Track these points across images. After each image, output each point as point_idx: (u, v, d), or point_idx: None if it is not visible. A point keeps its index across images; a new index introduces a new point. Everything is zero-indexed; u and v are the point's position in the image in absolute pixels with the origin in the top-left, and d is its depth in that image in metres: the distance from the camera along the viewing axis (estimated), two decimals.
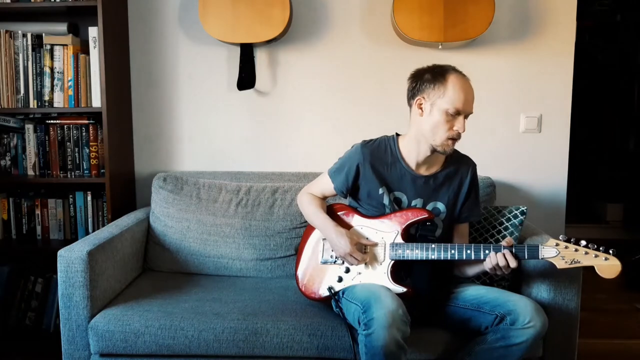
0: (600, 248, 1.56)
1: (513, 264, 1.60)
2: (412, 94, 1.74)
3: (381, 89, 2.45)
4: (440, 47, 2.28)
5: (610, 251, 1.55)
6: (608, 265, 1.54)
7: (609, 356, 2.41)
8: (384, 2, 2.39)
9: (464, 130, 1.67)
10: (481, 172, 1.99)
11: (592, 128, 4.53)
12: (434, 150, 1.72)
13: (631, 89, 4.50)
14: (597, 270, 1.55)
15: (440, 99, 1.66)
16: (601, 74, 4.49)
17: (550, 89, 2.44)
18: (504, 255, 1.61)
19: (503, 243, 1.64)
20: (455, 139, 1.69)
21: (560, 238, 1.60)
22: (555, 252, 1.59)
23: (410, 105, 1.76)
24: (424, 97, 1.70)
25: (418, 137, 1.74)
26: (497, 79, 2.45)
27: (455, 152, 1.84)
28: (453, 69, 1.71)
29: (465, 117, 1.68)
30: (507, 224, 1.95)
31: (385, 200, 1.78)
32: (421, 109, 1.71)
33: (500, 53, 2.43)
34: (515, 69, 2.44)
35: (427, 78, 1.70)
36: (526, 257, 1.62)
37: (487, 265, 1.64)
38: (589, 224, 4.46)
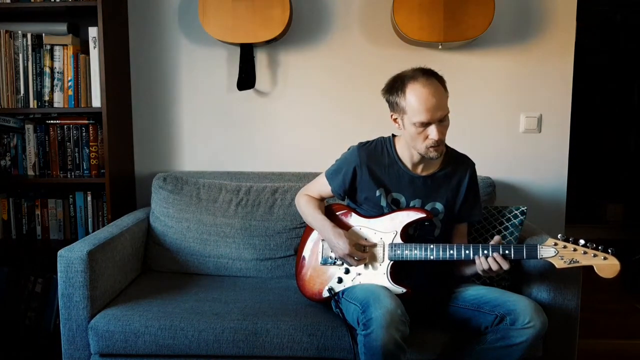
0: (599, 247, 1.56)
1: (505, 266, 1.60)
2: (389, 108, 1.74)
3: (380, 89, 2.44)
4: (440, 47, 2.29)
5: (609, 250, 1.55)
6: (607, 265, 1.54)
7: (609, 356, 2.41)
8: (384, 2, 2.39)
9: (439, 138, 1.63)
10: (481, 172, 1.99)
11: (592, 128, 4.53)
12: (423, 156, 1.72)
13: (631, 89, 4.50)
14: (596, 270, 1.55)
15: (406, 115, 1.65)
16: (601, 74, 4.49)
17: (550, 89, 2.44)
18: (494, 258, 1.61)
19: (492, 242, 1.64)
20: (434, 146, 1.66)
21: (559, 237, 1.60)
22: (553, 251, 1.59)
23: None
24: (395, 113, 1.71)
25: (407, 144, 1.74)
26: (497, 79, 2.45)
27: (454, 151, 1.84)
28: (412, 77, 1.64)
29: (440, 121, 1.64)
30: (507, 224, 1.96)
31: (383, 203, 1.77)
32: (397, 123, 1.72)
33: (500, 53, 2.43)
34: (515, 69, 2.44)
35: (391, 93, 1.69)
36: (525, 257, 1.62)
37: (479, 268, 1.64)
38: (589, 224, 4.46)
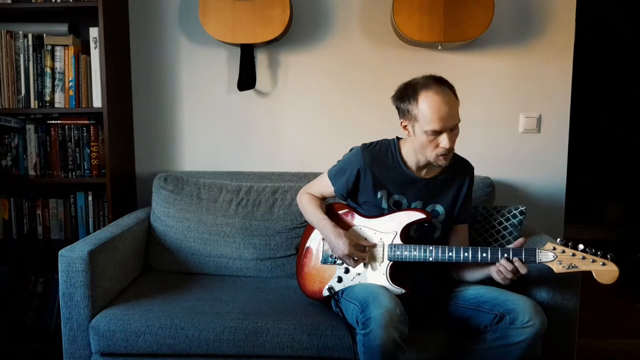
0: (598, 253, 1.55)
1: (523, 270, 1.60)
2: (398, 114, 1.74)
3: (381, 89, 2.44)
4: (440, 47, 2.29)
5: (608, 256, 1.54)
6: (606, 271, 1.53)
7: (609, 356, 2.41)
8: (383, 3, 2.39)
9: (449, 146, 1.63)
10: (480, 172, 1.99)
11: (591, 128, 4.53)
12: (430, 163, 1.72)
13: (631, 89, 4.51)
14: (594, 276, 1.54)
15: (417, 122, 1.65)
16: (601, 74, 4.49)
17: (550, 89, 2.45)
18: (512, 262, 1.60)
19: (517, 243, 1.63)
20: (444, 154, 1.66)
21: (558, 241, 1.59)
22: (552, 256, 1.58)
23: None
24: (405, 120, 1.71)
25: (414, 150, 1.74)
26: (497, 79, 2.45)
27: (455, 155, 1.84)
28: (425, 85, 1.64)
29: (452, 130, 1.64)
30: (506, 224, 1.96)
31: (384, 205, 1.78)
32: (407, 130, 1.72)
33: (500, 53, 2.43)
34: (515, 69, 2.44)
35: (403, 100, 1.68)
36: (523, 261, 1.61)
37: (494, 271, 1.64)
38: (588, 224, 4.46)
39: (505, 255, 1.62)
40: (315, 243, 1.88)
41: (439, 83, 1.65)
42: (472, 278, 1.77)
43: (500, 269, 1.62)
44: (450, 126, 1.63)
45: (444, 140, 1.63)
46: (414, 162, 1.77)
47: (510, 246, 1.65)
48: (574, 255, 1.57)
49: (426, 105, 1.62)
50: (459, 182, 1.81)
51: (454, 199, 1.80)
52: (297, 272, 1.90)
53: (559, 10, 2.40)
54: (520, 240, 1.65)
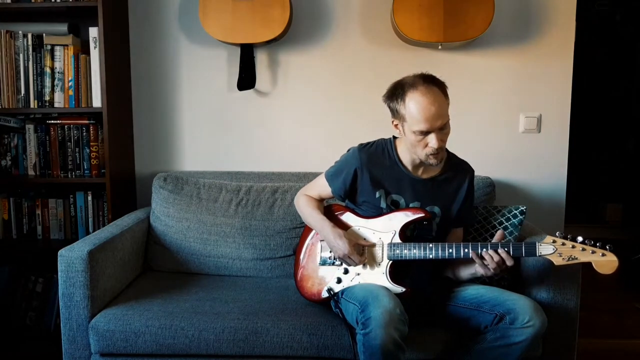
0: (597, 244, 1.56)
1: (510, 262, 1.60)
2: (390, 113, 1.75)
3: (381, 89, 2.41)
4: (440, 47, 2.29)
5: (607, 247, 1.56)
6: (605, 261, 1.55)
7: (609, 356, 2.41)
8: (384, 3, 2.39)
9: (438, 146, 1.63)
10: (481, 172, 1.99)
11: (591, 128, 4.53)
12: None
13: (630, 89, 4.51)
14: (594, 266, 1.56)
15: (406, 122, 1.66)
16: (601, 74, 4.49)
17: (550, 89, 2.45)
18: (497, 252, 1.61)
19: (496, 237, 1.64)
20: (434, 153, 1.66)
21: (557, 235, 1.60)
22: (552, 249, 1.59)
23: None
24: (395, 119, 1.71)
25: (408, 148, 1.75)
26: (497, 79, 2.45)
27: (454, 157, 1.85)
28: (412, 85, 1.64)
29: (441, 129, 1.64)
30: (506, 224, 1.96)
31: (383, 204, 1.78)
32: (398, 129, 1.73)
33: (500, 53, 2.43)
34: (515, 69, 2.44)
35: (392, 100, 1.69)
36: (524, 255, 1.62)
37: (481, 265, 1.64)
38: (588, 224, 4.46)
39: (484, 250, 1.62)
40: (312, 245, 1.88)
41: (427, 83, 1.64)
42: (466, 273, 1.77)
43: (486, 257, 1.61)
44: (438, 126, 1.63)
45: (432, 140, 1.64)
46: (409, 161, 1.77)
47: (493, 240, 1.65)
48: (573, 247, 1.58)
49: (413, 106, 1.62)
50: (458, 183, 1.81)
51: (451, 200, 1.80)
52: (295, 275, 1.90)
53: (559, 10, 2.40)
54: (500, 232, 1.65)
